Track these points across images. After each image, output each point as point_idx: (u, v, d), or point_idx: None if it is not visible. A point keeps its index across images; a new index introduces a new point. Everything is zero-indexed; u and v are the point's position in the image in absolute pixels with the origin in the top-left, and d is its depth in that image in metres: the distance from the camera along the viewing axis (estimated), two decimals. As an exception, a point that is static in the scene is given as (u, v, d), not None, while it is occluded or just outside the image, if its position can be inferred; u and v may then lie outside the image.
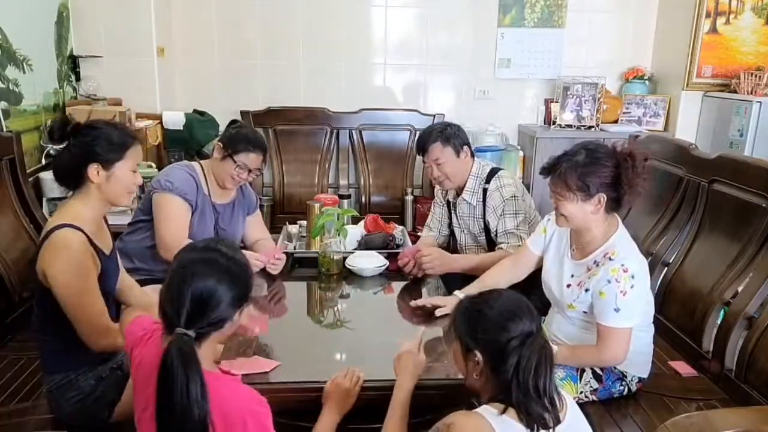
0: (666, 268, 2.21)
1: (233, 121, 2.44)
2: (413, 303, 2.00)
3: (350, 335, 1.88)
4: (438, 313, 1.91)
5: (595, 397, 1.78)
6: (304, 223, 2.58)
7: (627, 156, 1.67)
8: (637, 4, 4.01)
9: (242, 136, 2.25)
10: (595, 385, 1.77)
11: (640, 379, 1.82)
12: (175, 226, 2.16)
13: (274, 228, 2.97)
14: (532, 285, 2.00)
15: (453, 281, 2.27)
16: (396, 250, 2.41)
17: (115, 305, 1.78)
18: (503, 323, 1.22)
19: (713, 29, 3.69)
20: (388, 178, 3.91)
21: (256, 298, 2.04)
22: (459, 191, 2.47)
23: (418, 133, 3.37)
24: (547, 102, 3.93)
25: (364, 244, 2.47)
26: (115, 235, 2.32)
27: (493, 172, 2.42)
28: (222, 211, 2.33)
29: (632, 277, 1.64)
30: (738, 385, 1.78)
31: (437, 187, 2.59)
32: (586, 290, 1.73)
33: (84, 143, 1.59)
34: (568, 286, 1.80)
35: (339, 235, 2.28)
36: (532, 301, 1.31)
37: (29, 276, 1.87)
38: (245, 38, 3.85)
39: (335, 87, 3.95)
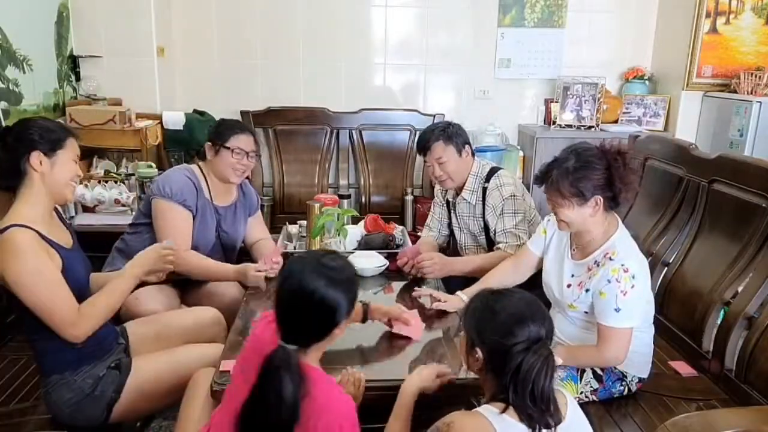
0: (666, 268, 2.20)
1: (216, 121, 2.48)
2: (415, 292, 2.03)
3: (350, 335, 1.87)
4: (434, 306, 1.94)
5: (595, 397, 1.78)
6: (304, 223, 2.58)
7: (617, 155, 1.67)
8: (637, 4, 4.01)
9: (225, 125, 2.30)
10: (595, 385, 1.77)
11: (640, 380, 1.81)
12: (178, 234, 2.15)
13: (274, 228, 2.98)
14: (531, 285, 2.00)
15: (453, 282, 2.27)
16: (396, 250, 2.41)
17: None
18: (510, 327, 1.21)
19: (713, 29, 3.69)
20: (388, 178, 3.91)
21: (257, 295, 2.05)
22: (458, 191, 2.47)
23: (418, 133, 3.37)
24: (547, 102, 3.93)
25: (364, 244, 2.47)
26: (116, 235, 2.34)
27: (492, 171, 2.43)
28: (224, 214, 2.33)
29: (633, 277, 1.64)
30: (738, 385, 1.78)
31: (437, 186, 2.59)
32: (587, 290, 1.73)
33: (20, 135, 1.58)
34: (569, 286, 1.80)
35: (339, 235, 2.28)
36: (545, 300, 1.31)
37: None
38: (245, 38, 3.85)
39: (335, 87, 3.95)
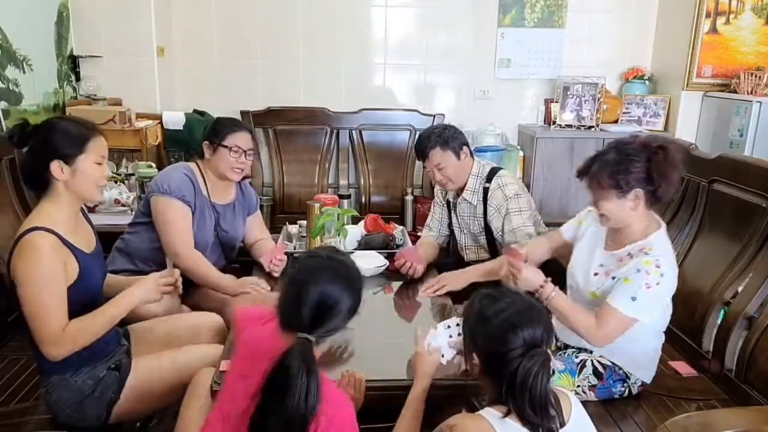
0: (666, 268, 2.20)
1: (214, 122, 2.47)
2: (426, 292, 2.11)
3: (350, 335, 1.88)
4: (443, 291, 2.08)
5: (593, 394, 1.77)
6: (304, 223, 2.58)
7: (658, 149, 1.67)
8: (637, 4, 4.01)
9: (222, 123, 2.30)
10: (594, 381, 1.77)
11: (643, 383, 1.81)
12: (179, 231, 2.15)
13: (274, 228, 2.97)
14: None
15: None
16: (396, 251, 2.41)
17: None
18: (503, 335, 1.21)
19: (713, 29, 3.69)
20: (388, 178, 3.91)
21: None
22: (459, 191, 2.47)
23: (418, 133, 3.37)
24: (547, 102, 3.93)
25: (364, 244, 2.47)
26: (116, 235, 2.34)
27: (493, 172, 2.43)
28: (222, 212, 2.33)
29: (662, 275, 1.63)
30: (738, 385, 1.78)
31: (437, 187, 2.59)
32: (613, 278, 1.71)
33: (41, 141, 1.56)
34: (595, 274, 1.79)
35: (339, 235, 2.29)
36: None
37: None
38: (245, 38, 3.84)
39: (335, 87, 3.95)
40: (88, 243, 1.67)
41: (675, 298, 1.85)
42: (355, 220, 2.69)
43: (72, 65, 3.38)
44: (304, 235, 2.56)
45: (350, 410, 1.27)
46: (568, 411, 1.26)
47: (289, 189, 3.85)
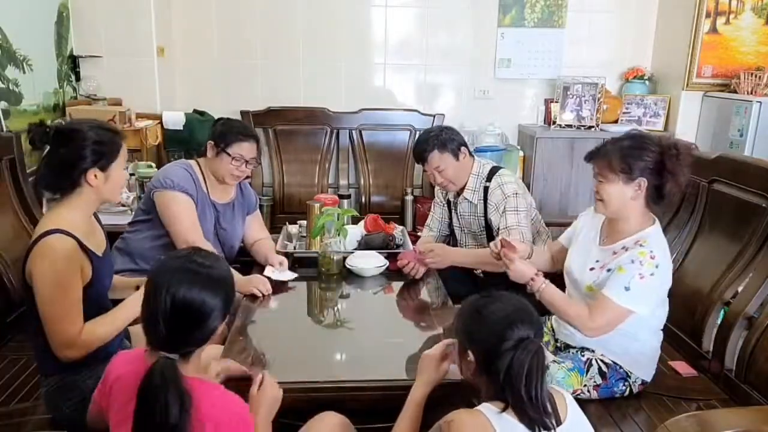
0: (666, 268, 2.21)
1: (219, 119, 2.43)
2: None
3: (350, 335, 1.89)
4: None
5: (596, 393, 1.78)
6: (304, 223, 2.58)
7: (673, 146, 1.68)
8: (637, 4, 4.01)
9: (231, 128, 2.26)
10: (598, 380, 1.77)
11: (643, 382, 1.81)
12: (188, 223, 2.15)
13: (274, 228, 2.97)
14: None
15: (454, 283, 2.28)
16: (396, 250, 2.41)
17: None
18: (500, 331, 1.22)
19: (713, 29, 3.69)
20: (388, 178, 3.91)
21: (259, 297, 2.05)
22: (460, 191, 2.47)
23: (418, 133, 3.37)
24: (547, 102, 3.93)
25: (364, 244, 2.47)
26: (116, 235, 2.34)
27: (493, 171, 2.43)
28: (222, 211, 2.33)
29: (656, 266, 1.64)
30: (738, 385, 1.78)
31: (437, 187, 2.59)
32: (608, 270, 1.72)
33: (76, 149, 1.56)
34: (591, 269, 1.79)
35: (339, 235, 2.28)
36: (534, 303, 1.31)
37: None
38: (245, 38, 3.85)
39: (335, 87, 3.95)
40: (100, 245, 1.68)
41: (675, 298, 1.86)
42: (355, 220, 2.69)
43: (72, 65, 3.38)
44: (304, 235, 2.56)
45: (242, 411, 1.21)
46: (564, 410, 1.26)
47: (289, 189, 3.85)
